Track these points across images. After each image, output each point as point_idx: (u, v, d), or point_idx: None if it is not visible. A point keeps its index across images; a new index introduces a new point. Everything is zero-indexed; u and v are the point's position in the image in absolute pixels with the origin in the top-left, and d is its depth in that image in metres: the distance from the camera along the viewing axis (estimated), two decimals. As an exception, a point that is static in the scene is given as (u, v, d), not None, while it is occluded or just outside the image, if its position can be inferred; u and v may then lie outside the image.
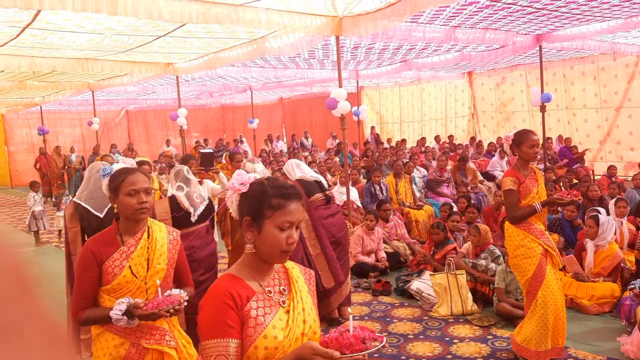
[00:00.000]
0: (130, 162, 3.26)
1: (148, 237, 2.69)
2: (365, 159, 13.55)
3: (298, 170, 5.65)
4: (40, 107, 17.82)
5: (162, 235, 2.75)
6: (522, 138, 4.29)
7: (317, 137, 21.33)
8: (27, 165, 21.62)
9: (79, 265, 2.61)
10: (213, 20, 6.25)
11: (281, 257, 1.82)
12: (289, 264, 1.95)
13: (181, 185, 4.57)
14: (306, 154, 16.82)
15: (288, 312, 1.82)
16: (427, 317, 5.69)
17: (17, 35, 7.57)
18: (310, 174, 5.65)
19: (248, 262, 1.86)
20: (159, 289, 2.55)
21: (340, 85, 7.92)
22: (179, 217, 4.46)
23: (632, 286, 5.17)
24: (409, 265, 7.30)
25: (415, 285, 6.14)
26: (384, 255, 7.30)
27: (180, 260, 2.82)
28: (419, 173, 10.59)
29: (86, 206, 3.97)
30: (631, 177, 9.53)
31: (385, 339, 1.72)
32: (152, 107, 22.47)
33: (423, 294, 6.02)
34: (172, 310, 2.47)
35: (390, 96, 20.80)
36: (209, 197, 4.83)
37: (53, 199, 11.07)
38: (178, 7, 5.99)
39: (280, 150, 18.69)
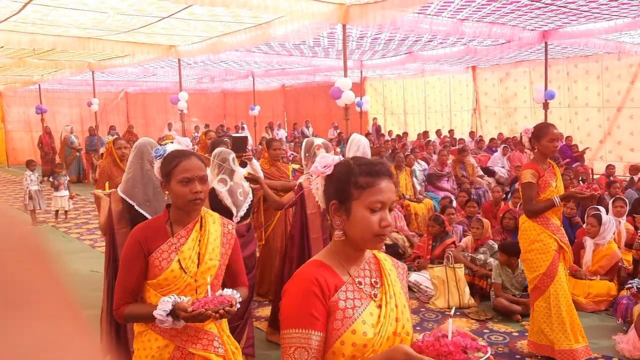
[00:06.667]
0: (186, 142, 3.02)
1: (200, 229, 2.42)
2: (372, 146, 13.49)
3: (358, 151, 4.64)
4: (39, 85, 17.64)
5: (216, 228, 2.46)
6: (542, 131, 4.22)
7: (319, 127, 21.21)
8: (24, 144, 21.54)
9: (124, 255, 2.37)
10: (220, 3, 6.19)
11: (375, 242, 1.63)
12: (381, 255, 1.79)
13: (225, 179, 3.97)
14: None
15: (380, 306, 1.65)
16: (424, 309, 5.69)
17: (19, 11, 7.47)
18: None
19: (337, 250, 1.69)
20: (209, 287, 2.29)
21: (345, 75, 7.86)
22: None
23: (630, 285, 5.17)
24: (407, 258, 7.28)
25: (414, 277, 6.13)
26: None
27: (235, 256, 2.54)
28: (419, 166, 10.56)
29: (141, 211, 3.39)
30: (630, 178, 9.52)
31: (490, 349, 1.51)
32: (152, 89, 22.35)
33: (421, 286, 6.01)
34: (221, 311, 2.19)
35: (395, 88, 20.69)
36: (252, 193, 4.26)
37: (50, 179, 10.98)
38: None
39: (281, 139, 18.63)
